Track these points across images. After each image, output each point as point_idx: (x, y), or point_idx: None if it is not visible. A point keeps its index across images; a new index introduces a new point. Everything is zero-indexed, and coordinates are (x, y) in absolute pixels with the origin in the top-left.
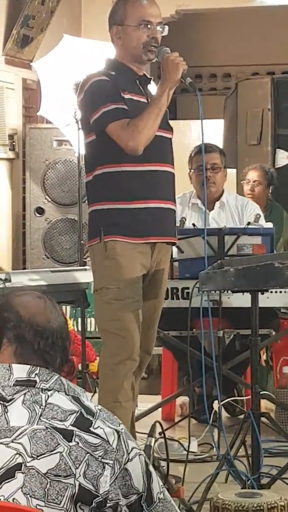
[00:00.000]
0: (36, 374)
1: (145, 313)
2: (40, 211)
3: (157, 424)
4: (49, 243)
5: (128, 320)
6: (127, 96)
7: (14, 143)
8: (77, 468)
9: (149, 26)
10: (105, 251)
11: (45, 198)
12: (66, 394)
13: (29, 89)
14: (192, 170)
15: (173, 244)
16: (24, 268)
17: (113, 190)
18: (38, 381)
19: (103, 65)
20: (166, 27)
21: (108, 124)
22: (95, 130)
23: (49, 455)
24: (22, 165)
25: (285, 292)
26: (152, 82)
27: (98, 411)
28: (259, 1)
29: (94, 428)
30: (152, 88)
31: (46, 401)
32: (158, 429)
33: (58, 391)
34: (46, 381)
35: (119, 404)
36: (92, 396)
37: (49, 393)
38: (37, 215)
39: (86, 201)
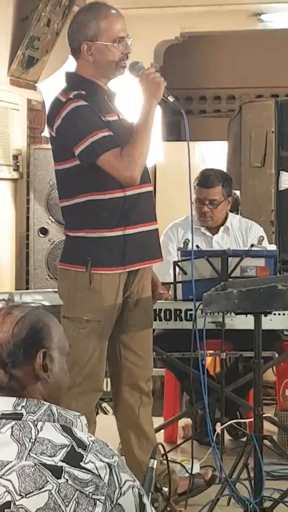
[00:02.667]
0: (22, 406)
1: (141, 341)
2: (43, 231)
3: (160, 447)
4: (53, 264)
5: (100, 352)
6: (105, 118)
7: (18, 164)
8: (67, 506)
9: (122, 42)
10: (90, 282)
11: (49, 219)
12: (57, 424)
13: (34, 110)
14: (194, 200)
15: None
16: (27, 288)
17: (100, 218)
18: (24, 413)
19: (66, 81)
20: (131, 39)
21: (100, 156)
22: (83, 161)
23: (38, 493)
24: (26, 186)
25: None
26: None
27: (91, 443)
28: (263, 24)
29: (85, 463)
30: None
31: (36, 435)
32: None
33: (48, 421)
34: (34, 413)
35: None
36: (96, 415)
37: (39, 425)
38: (41, 235)
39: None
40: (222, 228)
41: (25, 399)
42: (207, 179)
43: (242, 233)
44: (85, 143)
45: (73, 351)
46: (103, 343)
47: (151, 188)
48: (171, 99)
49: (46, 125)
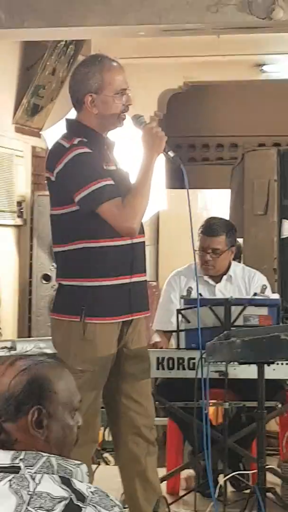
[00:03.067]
0: (20, 459)
1: (141, 389)
2: (46, 278)
3: (162, 499)
4: None
5: (94, 403)
6: (106, 167)
7: (22, 210)
8: None
9: (124, 94)
10: (83, 332)
11: (52, 265)
12: (55, 476)
13: (38, 157)
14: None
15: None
16: (30, 336)
17: (95, 267)
18: (22, 467)
19: (68, 128)
20: (131, 90)
21: (101, 204)
22: (83, 208)
23: None
24: (29, 232)
25: None
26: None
27: (91, 494)
28: (265, 75)
29: None
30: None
31: (34, 488)
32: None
33: (47, 473)
34: (32, 466)
35: None
36: (96, 469)
37: (37, 478)
38: (44, 282)
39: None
40: (225, 277)
41: (23, 452)
42: (211, 227)
43: (245, 281)
44: (87, 190)
45: None
46: (97, 393)
47: (144, 239)
48: (171, 154)
49: (45, 169)
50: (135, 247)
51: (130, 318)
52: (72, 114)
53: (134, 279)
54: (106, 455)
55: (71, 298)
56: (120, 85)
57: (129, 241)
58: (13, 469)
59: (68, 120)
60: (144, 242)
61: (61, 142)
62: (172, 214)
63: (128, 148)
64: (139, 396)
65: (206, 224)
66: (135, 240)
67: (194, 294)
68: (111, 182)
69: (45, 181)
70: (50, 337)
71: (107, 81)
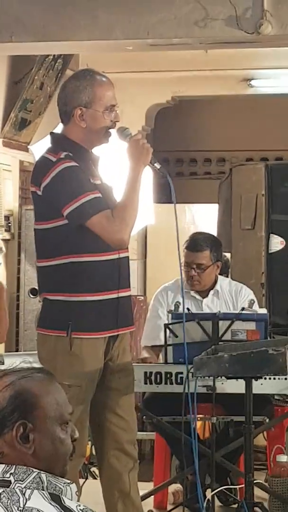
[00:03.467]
0: (11, 473)
1: (125, 404)
2: (34, 292)
3: None
4: None
5: (82, 418)
6: (93, 181)
7: (10, 224)
8: None
9: (112, 110)
10: (70, 347)
11: None
12: (45, 493)
13: (26, 171)
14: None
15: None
16: (17, 350)
17: (81, 282)
18: (13, 481)
19: (53, 142)
20: (119, 107)
21: (91, 217)
22: (73, 221)
23: None
24: (17, 246)
25: (279, 379)
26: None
27: None
28: (253, 90)
29: None
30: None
31: (24, 503)
32: None
33: (37, 489)
34: (22, 481)
35: None
36: (84, 483)
37: (27, 493)
38: (31, 296)
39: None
40: (212, 292)
41: (14, 466)
42: (195, 243)
43: (232, 296)
44: (75, 203)
45: None
46: (85, 408)
47: (128, 254)
48: (157, 165)
49: (30, 183)
50: (121, 262)
51: (116, 333)
52: (59, 128)
53: (121, 294)
54: (93, 469)
55: (57, 313)
56: (109, 101)
57: (116, 256)
58: (3, 483)
59: (53, 134)
60: (128, 257)
61: (47, 156)
62: (159, 229)
63: (112, 163)
64: (122, 411)
65: (191, 240)
66: (120, 255)
67: (181, 309)
68: (99, 195)
69: (30, 196)
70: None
71: (97, 96)
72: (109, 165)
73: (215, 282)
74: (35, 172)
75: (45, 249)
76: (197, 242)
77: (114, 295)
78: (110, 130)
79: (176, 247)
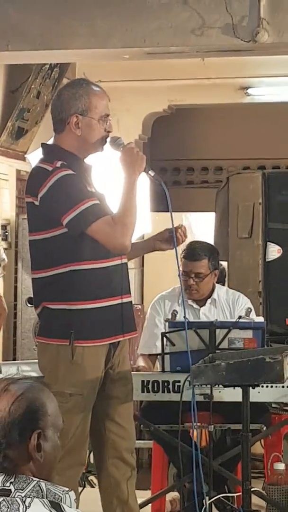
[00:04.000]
0: (11, 482)
1: (124, 412)
2: (31, 301)
3: None
4: None
5: (83, 426)
6: (89, 189)
7: (7, 233)
8: None
9: (106, 120)
10: (72, 356)
11: None
12: (45, 500)
13: (23, 180)
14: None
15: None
16: (15, 359)
17: (82, 290)
18: (13, 490)
19: (45, 152)
20: (111, 119)
21: (92, 223)
22: (73, 229)
23: None
24: (14, 255)
25: (276, 387)
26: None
27: None
28: (250, 98)
29: None
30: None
31: (24, 511)
32: None
33: (37, 498)
34: (22, 489)
35: None
36: (81, 491)
37: (27, 501)
38: (29, 305)
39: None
40: (209, 300)
41: (14, 476)
42: (193, 252)
43: (229, 305)
44: (75, 211)
45: None
46: (86, 417)
47: (126, 260)
48: (151, 173)
49: (25, 193)
50: (120, 268)
51: (118, 340)
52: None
53: (122, 300)
54: (91, 477)
55: (59, 322)
56: (104, 110)
57: (117, 262)
58: (4, 492)
59: (45, 145)
60: (127, 263)
61: (42, 166)
62: None
63: (104, 171)
64: (122, 419)
65: (188, 249)
66: (118, 262)
67: (179, 317)
68: (98, 202)
69: (26, 206)
70: (35, 360)
71: (93, 104)
72: (101, 174)
73: (212, 290)
74: (30, 182)
75: (43, 260)
76: (195, 251)
77: (119, 301)
78: (105, 140)
79: (173, 256)
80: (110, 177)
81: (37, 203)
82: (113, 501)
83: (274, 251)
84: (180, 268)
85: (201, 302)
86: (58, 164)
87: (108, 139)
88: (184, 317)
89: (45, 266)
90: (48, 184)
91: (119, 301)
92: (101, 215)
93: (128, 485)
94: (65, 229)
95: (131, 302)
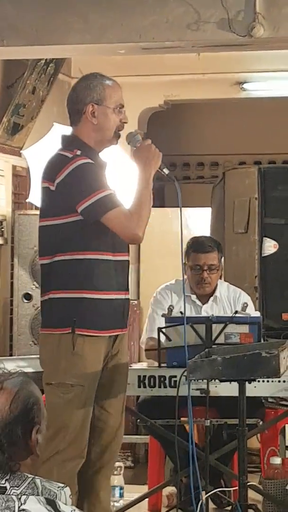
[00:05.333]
0: (6, 479)
1: (116, 402)
2: (28, 297)
3: None
4: (37, 330)
5: (83, 418)
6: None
7: (3, 229)
8: None
9: (121, 110)
10: (73, 346)
11: (33, 284)
12: (41, 497)
13: (19, 176)
14: (188, 267)
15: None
16: (11, 355)
17: (87, 279)
18: (8, 487)
19: (63, 142)
20: (125, 110)
21: (107, 212)
22: (88, 216)
23: None
24: (10, 251)
25: (272, 381)
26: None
27: None
28: (245, 93)
29: None
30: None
31: (19, 507)
32: None
33: (32, 495)
34: (18, 487)
35: None
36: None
37: (22, 498)
38: (25, 301)
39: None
40: (211, 298)
41: (9, 473)
42: (203, 244)
43: (231, 302)
44: (92, 199)
45: (57, 418)
46: (87, 408)
47: (128, 258)
48: (166, 171)
49: (42, 179)
50: (123, 264)
51: (117, 334)
52: (53, 133)
53: (120, 296)
54: None
55: (62, 311)
56: (119, 100)
57: (120, 258)
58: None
59: (64, 135)
60: (129, 261)
61: (62, 153)
62: (153, 233)
63: (116, 170)
64: (112, 408)
65: (197, 242)
66: (123, 258)
67: (175, 313)
68: (114, 192)
69: (24, 201)
70: (32, 356)
71: (108, 93)
72: (114, 172)
73: (215, 287)
74: (49, 168)
75: (51, 245)
76: (204, 243)
77: (117, 296)
78: (119, 131)
79: (169, 251)
80: (121, 175)
81: (53, 188)
82: (86, 491)
83: (270, 246)
84: (189, 263)
85: (204, 299)
86: (78, 152)
87: (126, 134)
88: (183, 313)
89: (52, 252)
90: (67, 170)
91: (122, 296)
92: (118, 204)
93: (102, 476)
94: (78, 216)
95: (128, 299)
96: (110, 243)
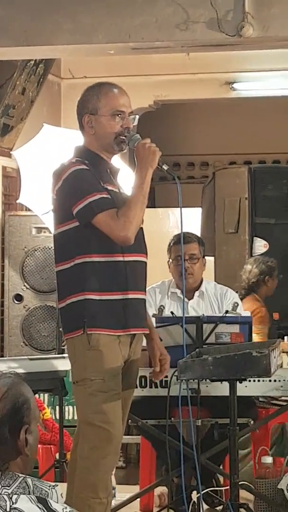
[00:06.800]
0: None
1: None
2: (18, 298)
3: None
4: (28, 330)
5: (112, 413)
6: (104, 186)
7: None
8: None
9: (121, 116)
10: (89, 342)
11: (24, 285)
12: (32, 496)
13: (9, 177)
14: (171, 260)
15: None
16: (2, 356)
17: (101, 281)
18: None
19: (73, 153)
20: (137, 117)
21: (97, 215)
22: (80, 220)
23: None
24: (1, 252)
25: (263, 381)
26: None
27: None
28: (235, 93)
29: None
30: (122, 177)
31: (10, 506)
32: None
33: (24, 494)
34: (9, 486)
35: (99, 500)
36: None
37: (13, 497)
38: (16, 302)
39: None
40: (197, 293)
41: (0, 473)
42: (184, 236)
43: (217, 299)
44: (83, 202)
45: (83, 414)
46: (113, 403)
47: (146, 259)
48: (165, 167)
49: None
50: (136, 264)
51: (134, 333)
52: (43, 133)
53: (135, 295)
54: None
55: (73, 315)
56: (115, 107)
57: (133, 258)
58: None
59: (76, 146)
60: (145, 262)
61: (63, 163)
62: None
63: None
64: (123, 409)
65: (177, 236)
66: (138, 258)
67: (166, 313)
68: (107, 196)
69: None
70: (23, 357)
71: (102, 102)
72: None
73: (201, 282)
74: (52, 178)
75: (63, 251)
76: (185, 235)
77: (133, 296)
78: (122, 136)
79: (159, 251)
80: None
81: (55, 196)
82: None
83: (260, 246)
84: (172, 255)
85: (190, 295)
86: (74, 160)
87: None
88: (176, 313)
89: (65, 258)
90: (63, 177)
91: (136, 296)
92: (107, 208)
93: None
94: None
95: (144, 299)
96: (118, 245)
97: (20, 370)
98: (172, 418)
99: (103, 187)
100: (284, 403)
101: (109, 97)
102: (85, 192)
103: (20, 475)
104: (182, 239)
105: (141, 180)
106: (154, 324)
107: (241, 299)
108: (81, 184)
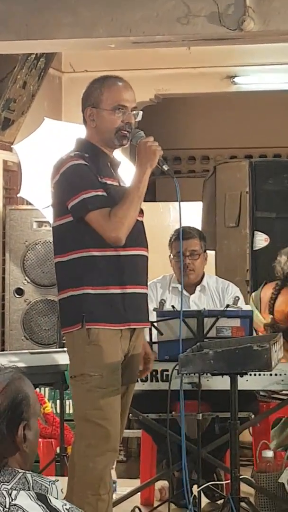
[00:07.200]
0: None
1: (124, 397)
2: (19, 292)
3: (137, 510)
4: (29, 324)
5: (110, 409)
6: (102, 180)
7: None
8: None
9: (123, 110)
10: (88, 337)
11: (25, 279)
12: (31, 492)
13: (10, 171)
14: (172, 256)
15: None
16: (3, 350)
17: (99, 275)
18: None
19: (74, 145)
20: (141, 113)
21: (89, 212)
22: (73, 215)
23: None
24: (2, 246)
25: (264, 375)
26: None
27: (66, 511)
28: (236, 87)
29: None
30: (123, 171)
31: (10, 503)
32: None
33: (23, 490)
34: (8, 482)
35: (99, 497)
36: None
37: (13, 493)
38: (17, 296)
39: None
40: (198, 287)
41: None
42: (184, 231)
43: (219, 293)
44: (77, 198)
45: (80, 410)
46: (111, 399)
47: (147, 253)
48: (165, 167)
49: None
50: (135, 258)
51: (134, 327)
52: (43, 127)
53: (134, 290)
54: None
55: (72, 309)
56: (118, 101)
57: (131, 252)
58: None
59: (77, 138)
60: (145, 256)
61: (62, 156)
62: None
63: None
64: (124, 404)
65: (177, 231)
66: (135, 252)
67: (167, 307)
68: (103, 193)
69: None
70: (23, 351)
71: (105, 96)
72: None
73: (202, 277)
74: (51, 171)
75: (61, 244)
76: (185, 230)
77: (131, 290)
78: (124, 131)
79: (160, 245)
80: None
81: (52, 189)
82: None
83: (261, 240)
84: (173, 251)
85: (191, 289)
86: (73, 154)
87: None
88: (174, 307)
89: (62, 251)
90: (60, 171)
91: (136, 290)
92: (100, 206)
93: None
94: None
95: (145, 293)
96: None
97: (21, 364)
98: (173, 412)
99: (100, 183)
100: (285, 397)
101: (112, 90)
102: (80, 188)
103: (20, 470)
104: (181, 238)
105: (138, 179)
106: (155, 318)
107: (278, 291)
108: (77, 180)
